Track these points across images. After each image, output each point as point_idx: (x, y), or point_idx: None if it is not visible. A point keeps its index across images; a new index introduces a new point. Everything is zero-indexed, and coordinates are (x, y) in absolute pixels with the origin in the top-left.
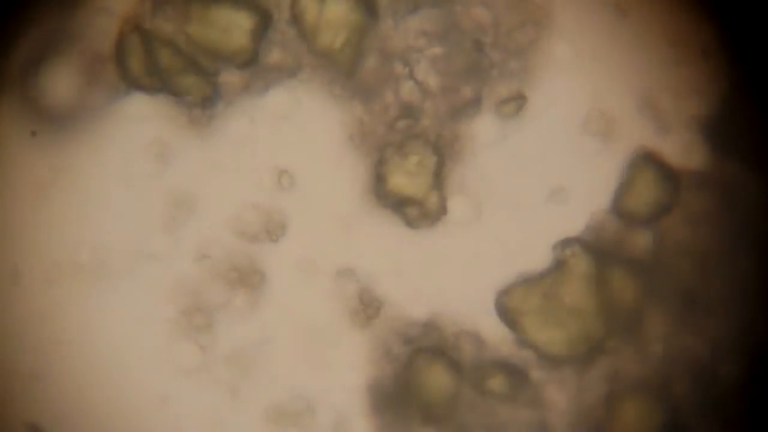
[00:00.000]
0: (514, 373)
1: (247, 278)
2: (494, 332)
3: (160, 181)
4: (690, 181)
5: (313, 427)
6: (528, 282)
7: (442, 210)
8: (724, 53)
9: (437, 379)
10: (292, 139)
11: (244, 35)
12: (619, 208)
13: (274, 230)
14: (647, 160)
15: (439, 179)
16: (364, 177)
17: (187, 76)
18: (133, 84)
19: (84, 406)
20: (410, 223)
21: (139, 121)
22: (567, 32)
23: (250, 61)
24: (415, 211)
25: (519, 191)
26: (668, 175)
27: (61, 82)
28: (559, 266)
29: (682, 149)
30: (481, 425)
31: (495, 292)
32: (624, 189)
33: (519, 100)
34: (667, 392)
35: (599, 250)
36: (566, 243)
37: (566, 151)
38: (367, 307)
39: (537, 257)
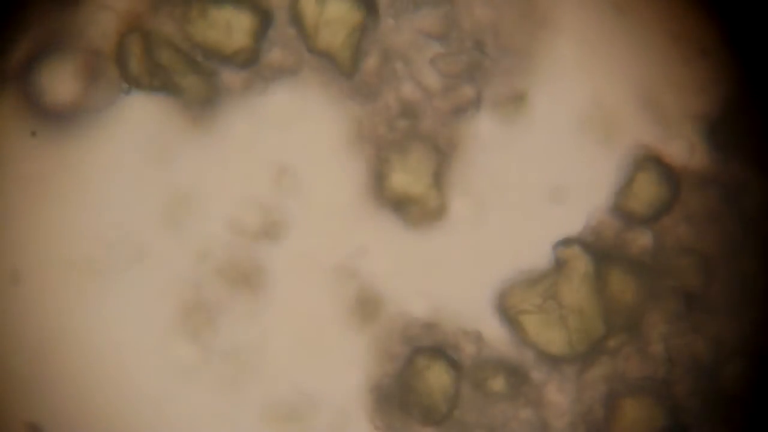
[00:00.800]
0: (514, 372)
1: (247, 277)
2: (494, 332)
3: (160, 180)
4: (691, 181)
5: (312, 427)
6: (528, 281)
7: (442, 210)
8: (726, 52)
9: (437, 378)
10: (292, 139)
11: (245, 35)
12: (619, 208)
13: (274, 229)
14: (648, 159)
15: (439, 179)
16: (364, 176)
17: (187, 75)
18: (133, 83)
19: (84, 406)
20: (410, 223)
21: (139, 121)
22: (567, 32)
23: (250, 60)
24: (415, 211)
25: (519, 191)
26: (669, 174)
27: (61, 81)
28: (559, 266)
29: (683, 149)
30: (481, 425)
31: (495, 291)
32: (624, 188)
33: (519, 99)
34: (668, 392)
35: (599, 250)
36: (566, 242)
37: (566, 151)
38: (367, 307)
39: (537, 257)
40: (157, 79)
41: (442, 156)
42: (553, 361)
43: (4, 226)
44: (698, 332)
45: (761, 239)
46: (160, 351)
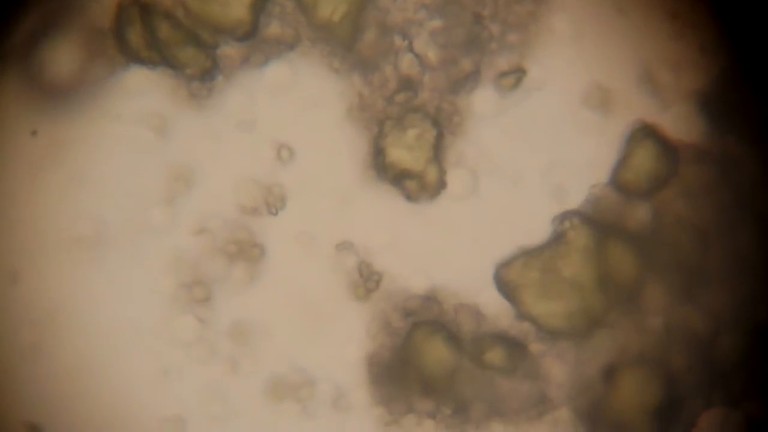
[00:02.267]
0: (513, 346)
1: (247, 252)
2: (493, 305)
3: (160, 154)
4: (688, 155)
5: (312, 400)
6: (527, 255)
7: (442, 183)
8: (722, 27)
9: (436, 352)
10: (291, 113)
11: (243, 8)
12: (617, 181)
13: (273, 203)
14: (646, 133)
15: (438, 152)
16: (363, 150)
17: (186, 49)
18: (132, 57)
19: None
20: (409, 197)
21: (139, 95)
22: (566, 5)
23: (249, 33)
24: (414, 185)
25: (518, 164)
26: (667, 148)
27: (61, 57)
28: (558, 239)
29: (681, 123)
30: (479, 398)
31: (494, 265)
32: (623, 162)
33: (518, 74)
34: (666, 365)
35: (598, 223)
36: (565, 216)
37: (565, 124)
38: (367, 281)
39: (536, 230)
40: (156, 53)
41: (441, 129)
42: (552, 334)
43: (3, 200)
44: (695, 305)
45: (756, 212)
46: (160, 325)
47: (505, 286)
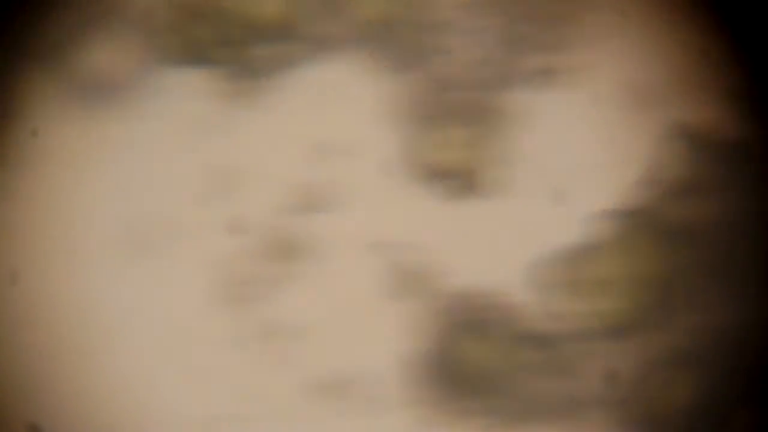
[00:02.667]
0: (547, 345)
1: (286, 252)
2: (528, 305)
3: (198, 154)
4: (723, 153)
5: (351, 400)
6: (561, 254)
7: (479, 182)
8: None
9: (472, 351)
10: (331, 112)
11: (281, 5)
12: (652, 180)
13: (313, 203)
14: (681, 131)
15: (477, 151)
16: (404, 149)
17: (223, 48)
18: (169, 57)
19: (120, 379)
20: (448, 196)
21: (177, 95)
22: (602, 4)
23: (287, 32)
24: (454, 183)
25: (553, 163)
26: (702, 147)
27: (98, 56)
28: (591, 238)
29: (716, 121)
30: (513, 397)
31: (530, 263)
32: (657, 161)
33: (554, 73)
34: (699, 365)
35: (632, 223)
36: (600, 215)
37: (601, 123)
38: (406, 280)
39: (570, 229)
40: (193, 52)
41: (480, 128)
42: (585, 333)
43: (42, 200)
44: (730, 305)
45: None
46: (198, 326)
47: (540, 284)
